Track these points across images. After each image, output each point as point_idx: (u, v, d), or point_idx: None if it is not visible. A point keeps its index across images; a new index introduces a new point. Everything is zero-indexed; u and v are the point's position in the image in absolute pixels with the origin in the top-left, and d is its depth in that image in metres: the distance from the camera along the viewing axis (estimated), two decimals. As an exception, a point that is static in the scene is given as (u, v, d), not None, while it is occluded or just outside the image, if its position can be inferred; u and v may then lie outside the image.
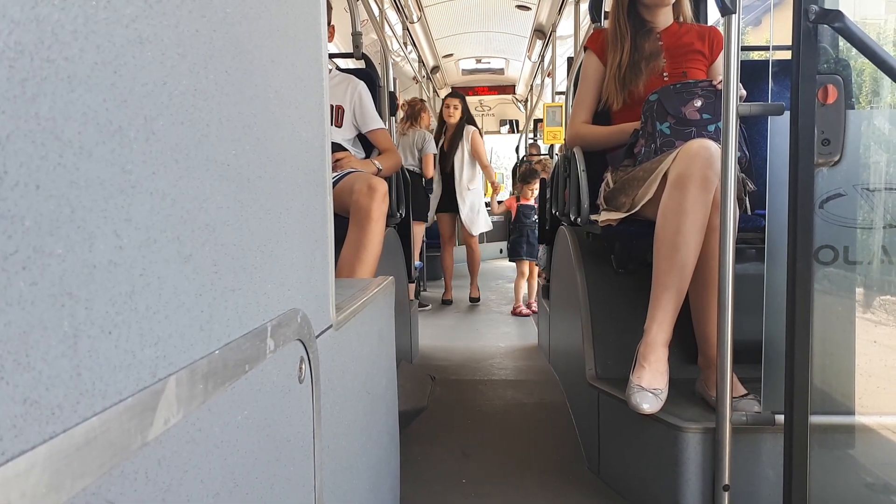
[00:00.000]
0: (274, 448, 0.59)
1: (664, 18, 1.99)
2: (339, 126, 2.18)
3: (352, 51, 2.61)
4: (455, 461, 1.81)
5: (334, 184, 1.86)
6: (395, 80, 3.15)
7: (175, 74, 0.42)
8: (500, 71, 8.51)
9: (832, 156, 1.28)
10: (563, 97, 4.11)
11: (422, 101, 4.94)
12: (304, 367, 0.67)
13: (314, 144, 0.76)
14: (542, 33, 6.09)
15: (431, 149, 4.78)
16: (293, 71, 0.69)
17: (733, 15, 1.29)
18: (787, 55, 1.40)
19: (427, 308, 4.96)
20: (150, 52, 0.39)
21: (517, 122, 10.28)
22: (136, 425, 0.36)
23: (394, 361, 1.29)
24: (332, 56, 2.87)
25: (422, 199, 4.95)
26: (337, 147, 2.12)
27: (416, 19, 5.74)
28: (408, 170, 4.74)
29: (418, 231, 4.92)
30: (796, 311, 1.22)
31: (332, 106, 2.19)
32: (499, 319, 4.53)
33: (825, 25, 1.17)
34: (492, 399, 2.36)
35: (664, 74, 1.94)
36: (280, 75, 0.64)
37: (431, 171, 4.84)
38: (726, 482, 1.31)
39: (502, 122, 10.66)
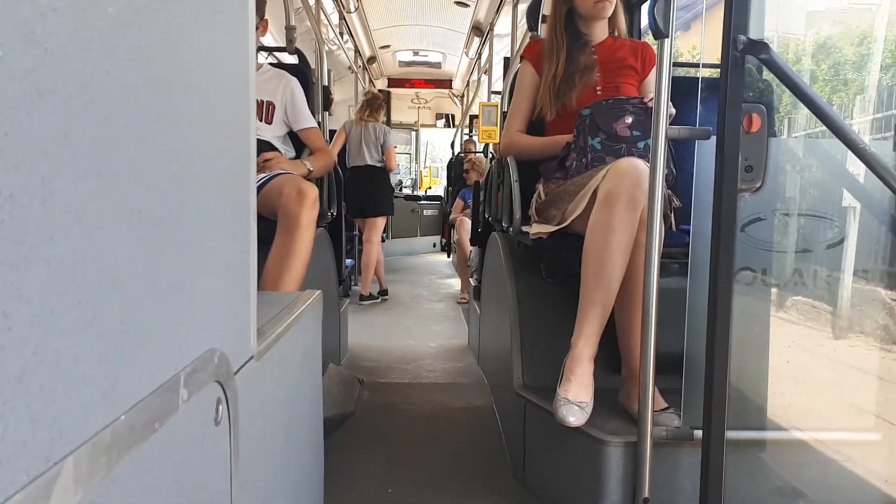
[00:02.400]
0: (187, 497, 0.56)
1: (600, 32, 2.02)
2: (269, 123, 2.11)
3: (285, 45, 2.53)
4: (381, 469, 1.79)
5: (263, 185, 1.80)
6: (329, 72, 3.08)
7: (79, 123, 0.39)
8: (438, 65, 8.49)
9: (754, 182, 1.33)
10: (499, 97, 4.13)
11: (386, 92, 4.99)
12: (220, 408, 0.64)
13: (237, 170, 0.72)
14: (480, 31, 6.10)
15: (392, 141, 4.82)
16: (218, 98, 0.65)
17: (666, 39, 1.31)
18: (714, 72, 1.44)
19: (376, 300, 4.93)
20: (49, 105, 0.36)
21: (453, 116, 10.29)
22: (22, 522, 0.33)
23: (319, 377, 1.26)
24: (264, 49, 2.78)
25: (388, 193, 4.96)
26: (266, 145, 2.06)
27: (353, 9, 5.64)
28: (373, 165, 4.76)
29: (381, 223, 4.91)
30: (717, 329, 1.26)
31: (262, 102, 2.12)
32: (430, 317, 4.53)
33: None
34: (420, 403, 2.35)
35: (597, 88, 1.97)
36: (203, 103, 0.60)
37: (395, 163, 4.89)
38: (646, 495, 1.35)
39: (438, 116, 10.65)
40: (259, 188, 1.79)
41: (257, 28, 1.98)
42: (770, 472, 1.42)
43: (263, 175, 1.84)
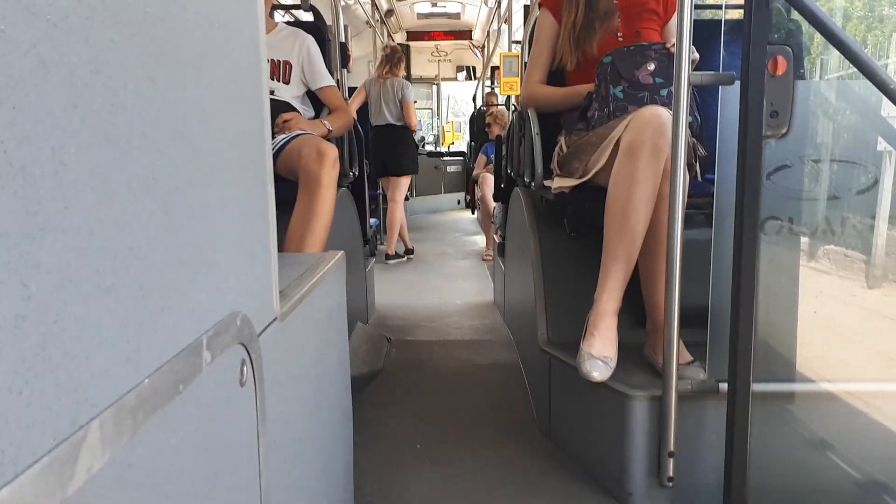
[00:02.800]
0: (214, 460, 0.57)
1: (620, -23, 1.95)
2: (287, 83, 2.10)
3: (299, 2, 2.50)
4: (409, 425, 1.83)
5: (283, 147, 1.80)
6: (346, 28, 3.04)
7: (88, 93, 0.39)
8: (457, 16, 8.32)
9: (780, 128, 1.29)
10: (520, 47, 4.04)
11: (405, 46, 4.89)
12: (245, 369, 0.65)
13: (252, 132, 0.72)
14: (499, -22, 5.95)
15: (411, 96, 4.73)
16: (228, 60, 0.64)
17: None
18: (740, 13, 1.39)
19: (402, 259, 4.96)
20: (56, 77, 0.36)
21: (474, 68, 10.12)
22: (54, 484, 0.34)
23: (345, 337, 1.28)
24: (279, 7, 2.74)
25: (412, 151, 4.92)
26: (285, 106, 2.05)
27: (368, -38, 5.52)
28: (394, 124, 4.71)
29: (405, 183, 4.89)
30: (742, 282, 1.24)
31: (279, 61, 2.10)
32: (456, 274, 4.54)
33: (778, -4, 1.16)
34: (447, 361, 2.38)
35: (618, 34, 1.91)
36: (213, 67, 0.60)
37: (414, 120, 4.81)
38: (671, 448, 1.36)
39: (459, 69, 10.50)
40: (279, 150, 1.79)
41: None
42: (798, 424, 1.42)
43: (283, 136, 1.84)
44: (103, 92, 0.40)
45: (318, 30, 2.34)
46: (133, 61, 0.44)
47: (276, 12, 2.20)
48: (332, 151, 1.69)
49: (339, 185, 2.17)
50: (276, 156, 1.80)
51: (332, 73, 2.31)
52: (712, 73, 1.38)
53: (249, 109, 0.73)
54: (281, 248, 1.65)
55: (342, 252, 1.25)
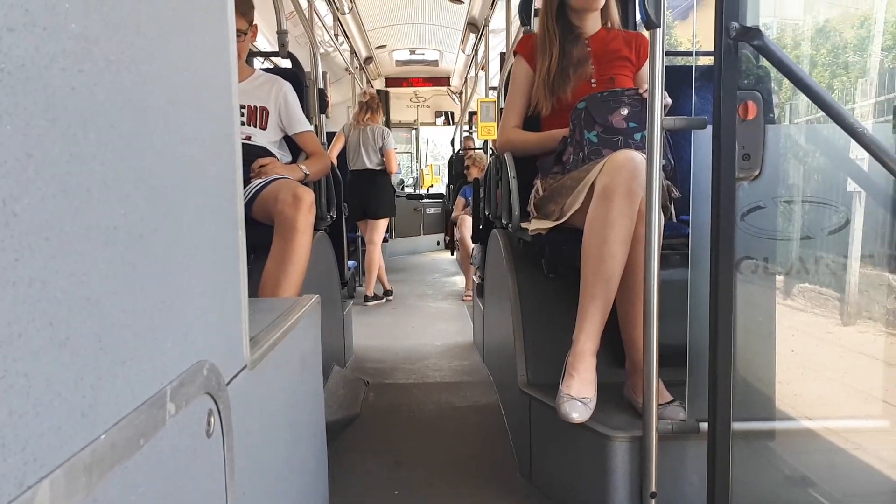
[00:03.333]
0: None
1: (592, 24, 2.00)
2: (264, 128, 2.10)
3: (277, 49, 2.52)
4: (387, 471, 1.78)
5: (258, 191, 1.80)
6: (325, 75, 3.07)
7: (44, 143, 0.38)
8: (435, 62, 8.47)
9: (752, 170, 1.31)
10: (496, 92, 4.11)
11: (385, 92, 4.97)
12: (212, 420, 0.63)
13: (223, 177, 0.71)
14: (476, 27, 6.08)
15: (392, 143, 4.81)
16: (199, 107, 0.64)
17: (658, 29, 1.30)
18: (710, 60, 1.42)
19: (381, 301, 4.94)
20: (8, 127, 0.35)
21: (452, 113, 10.27)
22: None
23: (320, 383, 1.25)
24: (255, 55, 2.77)
25: (390, 195, 4.97)
26: (262, 151, 2.05)
27: (347, 10, 5.62)
28: (372, 169, 4.76)
29: (383, 225, 4.92)
30: (719, 321, 1.24)
31: (256, 107, 2.11)
32: (436, 315, 4.52)
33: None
34: (426, 403, 2.34)
35: (592, 81, 1.95)
36: (182, 113, 0.59)
37: (395, 167, 4.89)
38: (653, 489, 1.34)
39: (437, 114, 10.64)
40: (254, 195, 1.79)
41: (246, 34, 1.97)
42: (779, 461, 1.41)
43: (259, 181, 1.84)
44: (61, 141, 0.40)
45: (295, 76, 2.37)
46: (95, 109, 0.44)
47: (255, 59, 2.21)
48: (308, 196, 1.68)
49: (317, 229, 2.17)
50: (251, 201, 1.79)
51: (310, 119, 2.32)
52: (685, 117, 1.40)
53: (220, 155, 0.72)
54: (256, 294, 1.63)
55: (317, 296, 1.23)
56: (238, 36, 1.92)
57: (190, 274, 0.61)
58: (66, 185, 0.40)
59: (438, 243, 8.75)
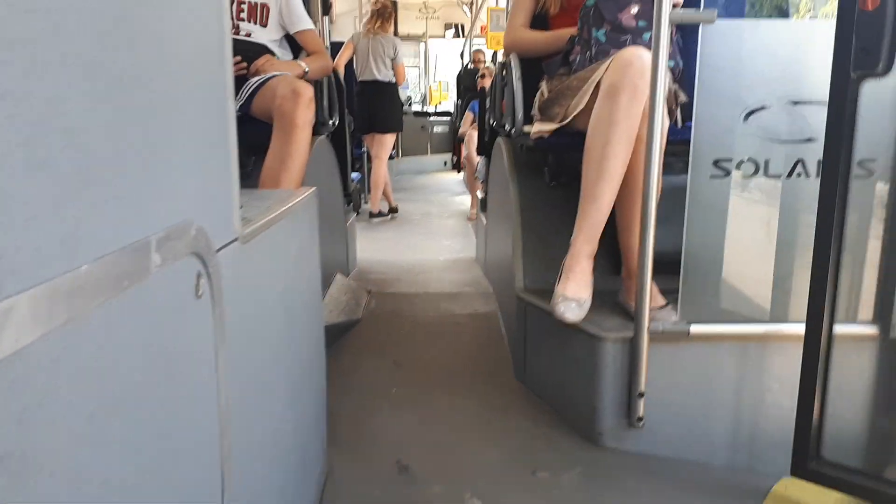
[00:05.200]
0: (165, 364, 0.56)
1: (605, -82, 1.90)
2: (265, 25, 2.05)
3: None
4: (386, 371, 1.83)
5: (258, 88, 1.76)
6: (328, -24, 2.96)
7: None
8: (445, -29, 8.15)
9: (872, 67, 1.20)
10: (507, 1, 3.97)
11: (394, 4, 4.81)
12: (201, 282, 0.64)
13: (207, 30, 0.70)
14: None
15: (402, 57, 4.72)
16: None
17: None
18: None
19: (386, 218, 4.95)
20: None
21: (463, 26, 9.96)
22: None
23: (318, 276, 1.27)
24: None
25: (398, 109, 4.91)
26: (262, 48, 2.00)
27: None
28: (381, 81, 4.66)
29: (390, 140, 4.88)
30: (832, 223, 1.16)
31: (256, 3, 2.04)
32: (440, 233, 4.53)
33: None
34: (426, 311, 2.38)
35: (603, -22, 1.87)
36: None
37: (403, 78, 4.82)
38: (642, 389, 1.37)
39: (447, 26, 10.34)
40: (254, 91, 1.76)
41: None
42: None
43: (258, 77, 1.80)
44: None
45: (297, -28, 2.28)
46: None
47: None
48: (307, 90, 1.65)
49: (318, 134, 2.14)
50: (251, 97, 1.76)
51: (312, 21, 2.26)
52: (693, 10, 1.36)
53: (208, 20, 0.70)
54: (256, 188, 1.63)
55: (314, 188, 1.23)
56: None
57: (174, 133, 0.60)
58: (36, 4, 0.39)
59: (445, 163, 8.67)
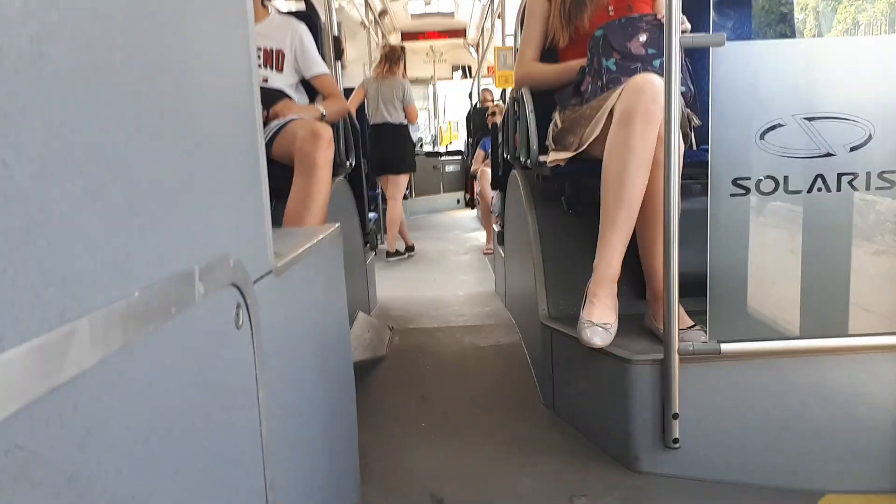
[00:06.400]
0: (211, 392, 0.58)
1: (609, -48, 1.96)
2: (280, 71, 2.11)
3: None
4: (414, 406, 1.83)
5: (277, 132, 1.81)
6: (339, 23, 3.05)
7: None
8: (450, 14, 8.35)
9: None
10: (514, 39, 4.05)
11: (402, 48, 4.91)
12: (241, 312, 0.66)
13: (239, 81, 0.73)
14: (491, -26, 5.96)
15: (413, 99, 4.79)
16: (211, 1, 0.65)
17: (675, -58, 1.26)
18: None
19: (403, 257, 4.97)
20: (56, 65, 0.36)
21: (469, 67, 10.14)
22: (42, 369, 0.34)
23: (345, 309, 1.28)
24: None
25: (410, 150, 5.02)
26: (279, 94, 2.05)
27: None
28: (393, 123, 4.75)
29: (404, 181, 4.94)
30: None
31: (272, 50, 2.11)
32: (457, 269, 4.54)
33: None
34: (449, 345, 2.38)
35: (609, 8, 1.91)
36: (195, 4, 0.60)
37: (416, 118, 4.91)
38: (676, 410, 1.35)
39: (455, 68, 10.52)
40: (274, 135, 1.80)
41: None
42: None
43: (277, 122, 1.85)
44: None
45: (310, 19, 2.35)
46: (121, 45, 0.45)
47: (269, 2, 2.20)
48: (326, 131, 1.69)
49: (336, 174, 2.18)
50: (271, 141, 1.80)
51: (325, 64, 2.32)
52: (703, 34, 1.38)
53: (238, 67, 0.73)
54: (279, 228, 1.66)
55: (338, 224, 1.25)
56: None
57: (212, 168, 0.63)
58: (88, 39, 0.41)
59: (458, 201, 8.73)
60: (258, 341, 0.70)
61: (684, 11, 1.32)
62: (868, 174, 1.33)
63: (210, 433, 0.57)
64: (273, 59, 2.09)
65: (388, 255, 4.91)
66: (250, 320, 0.68)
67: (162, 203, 0.51)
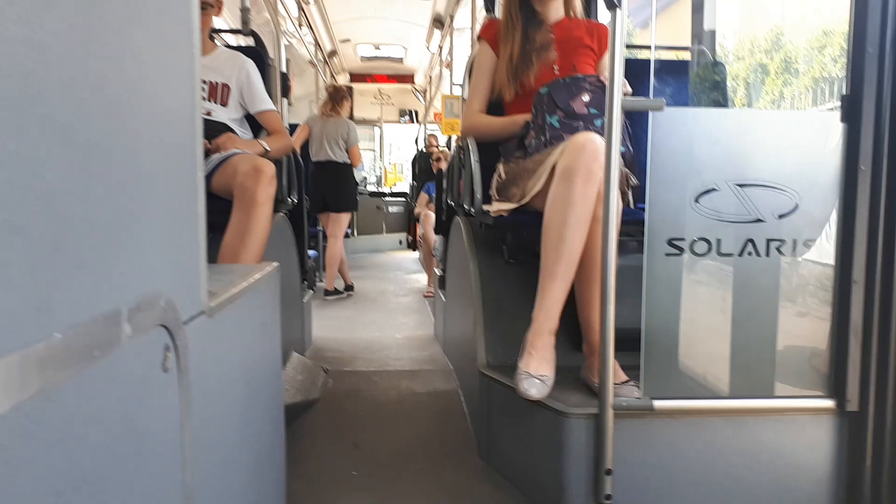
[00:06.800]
0: (133, 440, 0.54)
1: (555, 12, 2.03)
2: (225, 105, 2.08)
3: (240, 27, 2.49)
4: (345, 453, 1.77)
5: (217, 166, 1.77)
6: (287, 60, 3.05)
7: (1, 20, 0.37)
8: (399, 60, 8.47)
9: None
10: (460, 90, 4.14)
11: (348, 88, 4.94)
12: (169, 355, 0.62)
13: (181, 115, 0.71)
14: (441, 23, 6.10)
15: (356, 139, 4.81)
16: (157, 32, 0.63)
17: (619, 10, 1.32)
18: (670, 54, 1.45)
19: (342, 295, 4.89)
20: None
21: (416, 112, 10.27)
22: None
23: (279, 352, 1.24)
24: (218, 31, 2.73)
25: (352, 189, 4.99)
26: (222, 127, 2.02)
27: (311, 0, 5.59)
28: (336, 161, 4.73)
29: (345, 219, 4.90)
30: None
31: (217, 83, 2.08)
32: (397, 310, 4.51)
33: None
34: (386, 390, 2.33)
35: (555, 67, 1.98)
36: (139, 36, 0.59)
37: (358, 160, 4.89)
38: (608, 466, 1.36)
39: (402, 113, 10.63)
40: (214, 168, 1.76)
41: (212, 7, 1.94)
42: None
43: (219, 155, 1.81)
44: (18, 23, 0.39)
45: (258, 55, 2.34)
46: (54, 6, 0.43)
47: (216, 35, 2.18)
48: (269, 168, 1.67)
49: (277, 211, 2.14)
50: (211, 174, 1.76)
51: (272, 99, 2.30)
52: (643, 98, 1.44)
53: (180, 101, 0.71)
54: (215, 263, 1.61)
55: (276, 263, 1.22)
56: (203, 8, 1.90)
57: (146, 205, 0.60)
58: (23, 68, 0.39)
59: (401, 242, 8.72)
60: (185, 385, 0.67)
61: (628, 77, 1.37)
62: (794, 241, 1.40)
63: (130, 482, 0.53)
64: (218, 92, 2.06)
65: (327, 293, 4.83)
66: (178, 363, 0.65)
67: (91, 238, 0.48)
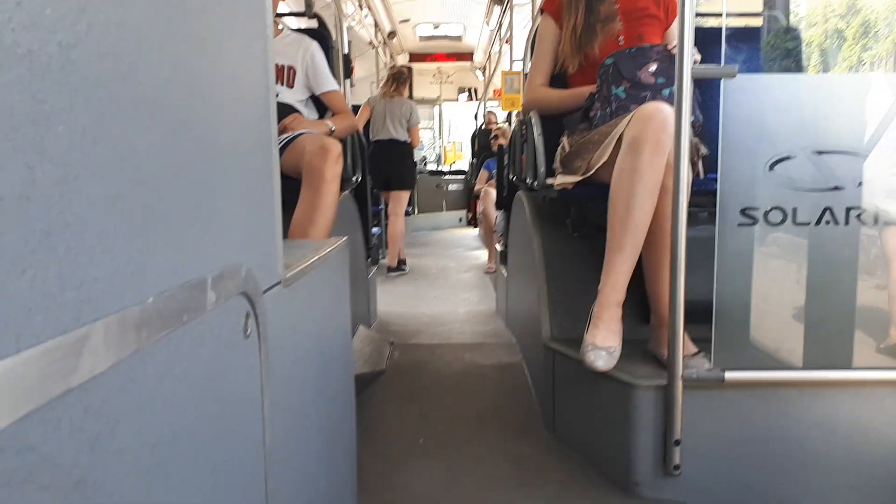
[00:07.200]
0: (218, 400, 0.57)
1: (620, -19, 1.98)
2: (291, 87, 2.12)
3: (304, 10, 2.53)
4: (412, 423, 1.81)
5: (286, 145, 1.82)
6: (349, 42, 3.08)
7: (95, 2, 0.39)
8: (458, 38, 8.43)
9: None
10: (520, 65, 4.09)
11: (409, 69, 5.00)
12: (249, 321, 0.65)
13: (256, 95, 0.73)
14: (500, -1, 6.02)
15: (418, 120, 4.90)
16: (232, 15, 0.65)
17: (689, -25, 1.28)
18: (740, 21, 1.39)
19: (405, 272, 4.96)
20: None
21: (475, 90, 10.22)
22: (56, 370, 0.34)
23: (349, 322, 1.28)
24: (282, 15, 2.78)
25: (412, 166, 5.11)
26: (289, 108, 2.07)
27: (372, -20, 5.61)
28: (396, 139, 4.81)
29: (405, 197, 4.98)
30: None
31: (283, 66, 2.12)
32: (458, 286, 4.54)
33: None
34: (450, 362, 2.37)
35: (620, 38, 1.93)
36: (217, 18, 0.61)
37: (418, 141, 4.95)
38: (678, 437, 1.35)
39: (461, 90, 10.60)
40: (282, 149, 1.81)
41: None
42: None
43: (286, 135, 1.86)
44: (111, 5, 0.41)
45: (322, 36, 2.37)
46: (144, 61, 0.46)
47: (281, 19, 2.23)
48: (335, 147, 1.70)
49: (342, 189, 2.19)
50: (279, 154, 1.81)
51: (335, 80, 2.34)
52: (714, 66, 1.39)
53: (255, 83, 0.74)
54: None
55: (345, 238, 1.25)
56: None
57: (227, 180, 0.63)
58: (114, 47, 0.41)
59: (461, 220, 8.74)
60: (265, 350, 0.70)
61: (696, 43, 1.33)
62: (876, 209, 1.33)
63: (215, 440, 0.56)
64: (285, 74, 2.11)
65: (390, 269, 4.90)
66: (258, 329, 0.68)
67: (178, 211, 0.51)
